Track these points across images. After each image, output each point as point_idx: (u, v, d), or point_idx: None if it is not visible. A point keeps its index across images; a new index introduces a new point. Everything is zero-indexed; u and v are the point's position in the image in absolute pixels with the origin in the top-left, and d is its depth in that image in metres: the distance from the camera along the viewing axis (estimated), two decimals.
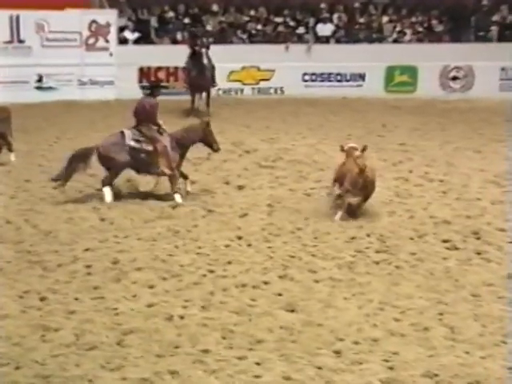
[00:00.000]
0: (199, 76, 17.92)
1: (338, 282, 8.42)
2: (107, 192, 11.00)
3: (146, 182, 11.73)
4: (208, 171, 12.92)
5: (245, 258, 9.08)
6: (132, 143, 11.10)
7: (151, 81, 11.77)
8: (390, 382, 6.41)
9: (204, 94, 18.25)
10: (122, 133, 11.17)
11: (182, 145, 11.41)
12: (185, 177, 11.58)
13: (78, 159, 11.03)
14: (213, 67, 18.28)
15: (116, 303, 7.73)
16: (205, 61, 17.92)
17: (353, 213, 10.41)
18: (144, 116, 11.24)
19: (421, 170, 13.13)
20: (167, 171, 11.19)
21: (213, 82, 18.39)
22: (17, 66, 18.49)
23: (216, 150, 11.83)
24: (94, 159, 11.11)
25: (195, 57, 18.03)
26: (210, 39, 18.99)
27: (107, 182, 11.08)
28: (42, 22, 19.00)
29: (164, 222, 10.30)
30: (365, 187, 10.25)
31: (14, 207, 10.82)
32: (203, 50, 18.08)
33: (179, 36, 20.99)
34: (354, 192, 10.21)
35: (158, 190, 11.52)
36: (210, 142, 11.68)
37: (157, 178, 11.49)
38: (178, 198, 11.18)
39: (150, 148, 11.15)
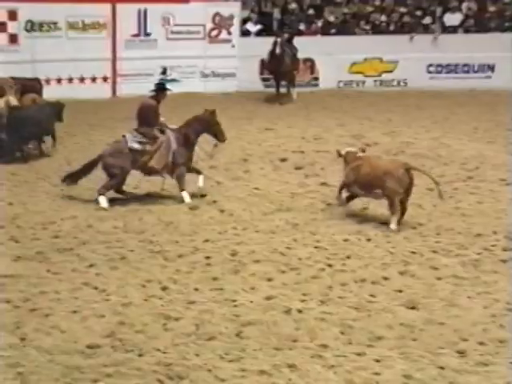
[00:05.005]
0: (274, 63, 18.67)
1: (462, 280, 8.21)
2: (103, 200, 10.68)
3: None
4: (327, 164, 12.87)
5: (364, 252, 9.01)
6: (135, 145, 10.89)
7: (157, 83, 11.49)
8: None
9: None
10: (124, 137, 11.04)
11: (187, 138, 11.10)
12: (197, 172, 11.24)
13: (90, 167, 11.04)
14: (294, 55, 18.92)
15: (235, 295, 7.84)
16: (278, 50, 18.43)
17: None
18: (143, 118, 11.03)
19: None
20: (157, 167, 10.93)
21: (292, 70, 18.95)
22: (142, 59, 19.07)
23: (222, 141, 11.30)
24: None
25: (275, 45, 18.67)
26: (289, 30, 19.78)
27: (105, 190, 10.79)
28: (167, 16, 19.50)
29: (283, 215, 10.36)
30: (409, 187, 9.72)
31: (137, 196, 11.16)
32: (278, 40, 18.57)
33: (302, 27, 21.03)
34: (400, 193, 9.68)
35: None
36: (215, 132, 11.22)
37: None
38: (185, 196, 10.91)
39: (152, 149, 10.94)
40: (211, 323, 7.21)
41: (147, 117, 11.06)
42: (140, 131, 11.04)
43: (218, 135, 11.26)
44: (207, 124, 11.21)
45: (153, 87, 11.44)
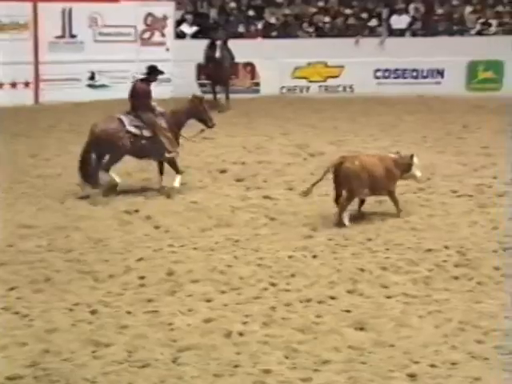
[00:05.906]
0: (213, 67, 19.01)
1: (413, 299, 8.32)
2: (114, 175, 11.61)
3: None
4: (269, 176, 12.94)
5: (310, 270, 9.06)
6: (132, 129, 11.71)
7: (149, 66, 12.38)
8: None
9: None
10: (120, 119, 11.72)
11: (174, 123, 12.04)
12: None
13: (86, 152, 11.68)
14: (232, 59, 19.30)
15: (171, 318, 7.80)
16: (217, 53, 18.79)
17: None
18: (138, 101, 11.83)
19: (506, 177, 12.89)
20: (173, 150, 11.84)
21: (230, 74, 19.44)
22: (68, 63, 18.86)
23: (210, 127, 12.41)
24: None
25: (212, 49, 18.76)
26: (226, 31, 19.99)
27: (107, 167, 11.59)
28: (95, 16, 19.35)
29: (222, 231, 10.37)
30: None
31: (64, 212, 11.03)
32: (218, 42, 18.90)
33: (241, 29, 21.13)
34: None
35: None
36: (203, 118, 12.29)
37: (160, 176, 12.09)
38: (177, 181, 11.93)
39: (149, 134, 11.78)
40: (145, 349, 7.15)
41: (142, 100, 11.82)
42: (137, 115, 11.77)
43: (207, 121, 12.31)
44: (196, 110, 12.18)
45: (145, 70, 12.21)
